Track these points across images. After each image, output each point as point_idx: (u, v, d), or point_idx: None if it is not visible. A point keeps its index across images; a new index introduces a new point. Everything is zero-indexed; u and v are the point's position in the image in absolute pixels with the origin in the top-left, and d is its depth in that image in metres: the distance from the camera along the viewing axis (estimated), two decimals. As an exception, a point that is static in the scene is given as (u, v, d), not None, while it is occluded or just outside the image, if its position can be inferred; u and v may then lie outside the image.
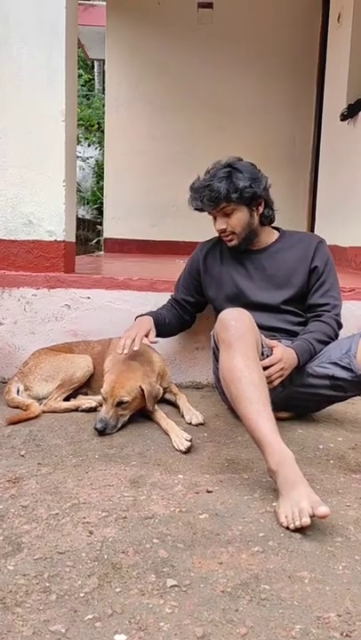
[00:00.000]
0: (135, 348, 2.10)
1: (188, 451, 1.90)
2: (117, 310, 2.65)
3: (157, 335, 2.27)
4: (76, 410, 2.27)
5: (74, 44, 2.79)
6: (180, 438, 1.95)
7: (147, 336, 2.18)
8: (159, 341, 2.33)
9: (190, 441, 1.93)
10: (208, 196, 2.11)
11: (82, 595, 1.12)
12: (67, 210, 2.69)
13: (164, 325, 2.35)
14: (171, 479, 1.68)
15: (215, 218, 2.22)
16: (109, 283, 2.66)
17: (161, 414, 2.16)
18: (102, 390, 2.11)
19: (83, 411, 2.27)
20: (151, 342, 2.20)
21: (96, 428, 2.03)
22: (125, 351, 2.10)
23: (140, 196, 5.94)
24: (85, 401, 2.30)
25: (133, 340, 2.12)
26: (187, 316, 2.45)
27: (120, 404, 2.08)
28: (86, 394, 2.39)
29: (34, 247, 2.70)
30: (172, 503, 1.52)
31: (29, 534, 1.35)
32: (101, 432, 2.03)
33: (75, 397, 2.36)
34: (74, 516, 1.44)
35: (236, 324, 1.83)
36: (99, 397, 2.25)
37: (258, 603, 1.12)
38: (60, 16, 2.56)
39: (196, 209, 2.20)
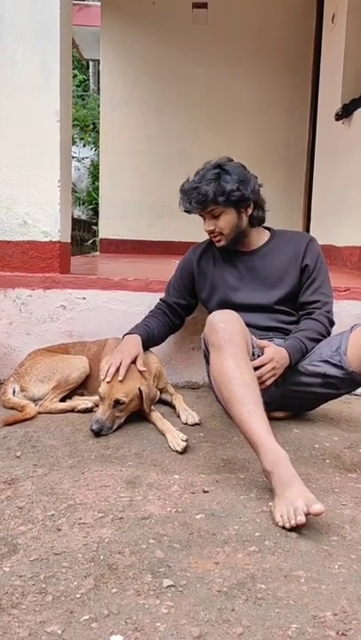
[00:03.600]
0: (119, 379, 2.08)
1: (184, 451, 1.90)
2: (113, 311, 2.64)
3: (146, 348, 2.28)
4: (72, 411, 2.27)
5: (68, 44, 2.79)
6: (177, 439, 1.95)
7: (134, 362, 2.16)
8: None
9: (186, 441, 1.93)
10: (196, 199, 2.12)
11: (78, 596, 1.12)
12: (62, 210, 2.69)
13: (153, 339, 2.35)
14: (167, 479, 1.68)
15: (204, 218, 2.22)
16: (105, 283, 2.66)
17: (157, 415, 2.16)
18: (100, 390, 2.10)
19: (79, 411, 2.26)
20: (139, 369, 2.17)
21: (92, 429, 2.03)
22: (108, 379, 2.07)
23: (135, 197, 5.93)
24: (82, 402, 2.30)
25: (118, 367, 2.09)
26: (177, 320, 2.45)
27: (117, 404, 2.08)
28: (82, 394, 2.39)
29: (29, 248, 2.69)
30: (168, 503, 1.52)
31: (25, 535, 1.34)
32: (97, 433, 2.03)
33: (70, 398, 2.36)
34: (70, 516, 1.44)
35: (224, 326, 1.83)
36: (95, 398, 2.25)
37: (254, 602, 1.12)
38: (54, 17, 2.56)
39: (185, 211, 2.21)
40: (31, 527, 1.38)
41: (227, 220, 2.17)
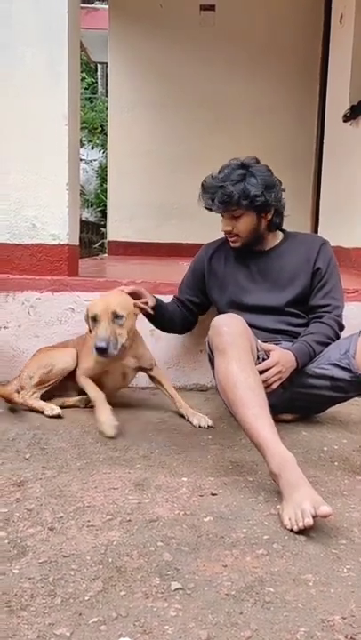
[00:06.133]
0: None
1: (212, 427, 2.13)
2: (121, 313, 2.64)
3: (156, 323, 2.34)
4: (41, 413, 2.25)
5: (76, 47, 2.80)
6: (202, 416, 2.13)
7: (145, 304, 2.20)
8: (161, 337, 2.46)
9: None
10: (220, 199, 2.11)
11: (86, 598, 1.12)
12: (70, 213, 2.70)
13: (165, 312, 2.35)
14: (175, 482, 1.68)
15: (223, 217, 2.22)
16: (113, 286, 2.65)
17: (175, 392, 2.29)
18: (96, 311, 2.05)
19: (46, 415, 2.23)
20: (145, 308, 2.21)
21: (98, 347, 1.97)
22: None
23: (143, 199, 5.94)
24: (49, 408, 2.25)
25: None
26: (190, 316, 2.45)
27: (116, 318, 2.02)
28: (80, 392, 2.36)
29: (37, 251, 2.71)
30: (176, 506, 1.53)
31: (34, 538, 1.35)
32: (104, 350, 1.96)
33: (67, 395, 2.38)
34: (78, 519, 1.44)
35: (228, 329, 1.83)
36: (76, 398, 2.32)
37: (262, 606, 1.12)
38: (61, 20, 2.58)
39: (205, 207, 2.20)
40: (40, 529, 1.39)
41: (246, 223, 2.17)
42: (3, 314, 2.65)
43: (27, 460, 1.83)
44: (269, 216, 2.20)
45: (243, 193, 2.08)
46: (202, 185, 2.19)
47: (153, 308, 2.26)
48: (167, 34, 5.70)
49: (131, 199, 5.97)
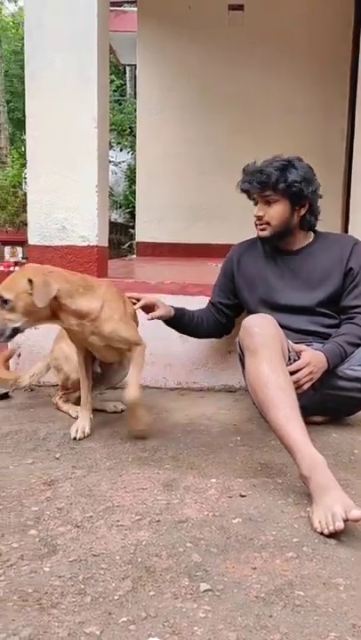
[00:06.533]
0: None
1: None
2: (150, 314, 2.66)
3: (184, 330, 2.35)
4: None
5: (105, 50, 2.83)
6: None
7: (151, 309, 2.20)
8: (189, 338, 2.42)
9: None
10: (258, 179, 2.12)
11: (116, 597, 1.13)
12: (99, 215, 2.73)
13: (191, 319, 2.35)
14: (204, 483, 1.68)
15: (256, 203, 2.21)
16: (142, 287, 2.68)
17: (136, 367, 2.09)
18: None
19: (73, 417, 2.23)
20: (152, 317, 2.20)
21: None
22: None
23: (172, 200, 5.95)
24: (74, 410, 2.26)
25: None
26: (224, 319, 2.44)
27: (4, 302, 1.81)
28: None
29: (67, 252, 2.74)
30: (205, 507, 1.52)
31: (64, 536, 1.37)
32: None
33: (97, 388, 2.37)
34: (108, 518, 1.45)
35: (259, 330, 1.82)
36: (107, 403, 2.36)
37: (292, 609, 1.11)
38: (91, 25, 2.60)
39: (242, 190, 2.20)
40: (70, 528, 1.40)
41: (278, 211, 2.16)
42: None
43: (57, 459, 1.85)
44: (303, 211, 2.18)
45: (281, 176, 2.09)
46: (243, 169, 2.20)
47: (171, 318, 2.27)
48: (196, 35, 5.69)
49: (159, 200, 5.99)
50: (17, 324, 1.85)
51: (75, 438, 2.03)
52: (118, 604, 1.11)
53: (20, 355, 2.70)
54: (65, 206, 2.70)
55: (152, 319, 2.21)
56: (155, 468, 1.78)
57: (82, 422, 2.09)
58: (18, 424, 2.17)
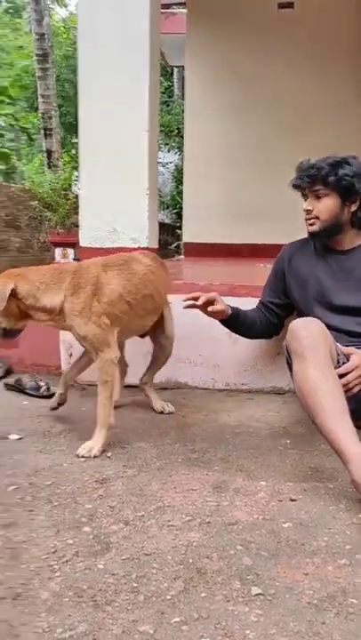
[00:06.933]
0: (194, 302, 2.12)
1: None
2: (198, 316, 2.65)
3: (238, 329, 2.34)
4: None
5: (156, 54, 2.86)
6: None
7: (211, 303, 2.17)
8: (238, 339, 2.38)
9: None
10: (308, 173, 2.11)
11: (168, 597, 1.14)
12: (150, 217, 2.76)
13: (244, 318, 2.34)
14: (253, 486, 1.68)
15: (306, 198, 2.19)
16: (191, 288, 2.67)
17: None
18: None
19: None
20: (212, 310, 2.18)
21: None
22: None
23: (219, 200, 5.95)
24: None
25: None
26: (275, 319, 2.42)
27: None
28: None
29: (119, 254, 2.77)
30: (255, 510, 1.52)
31: (117, 534, 1.39)
32: None
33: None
34: (159, 518, 1.47)
35: (306, 333, 1.80)
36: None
37: (345, 617, 1.09)
38: (143, 28, 2.64)
39: (293, 185, 2.19)
40: (122, 527, 1.43)
41: (328, 205, 2.13)
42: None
43: (108, 458, 1.89)
44: (354, 207, 2.14)
45: (332, 170, 2.07)
46: (296, 167, 2.19)
47: (228, 316, 2.27)
48: (244, 34, 5.67)
49: (207, 201, 6.00)
50: (2, 325, 1.98)
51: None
52: (171, 604, 1.13)
53: (71, 354, 2.76)
54: (116, 209, 2.75)
55: (213, 312, 2.20)
56: (204, 470, 1.79)
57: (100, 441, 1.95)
58: (71, 423, 2.23)
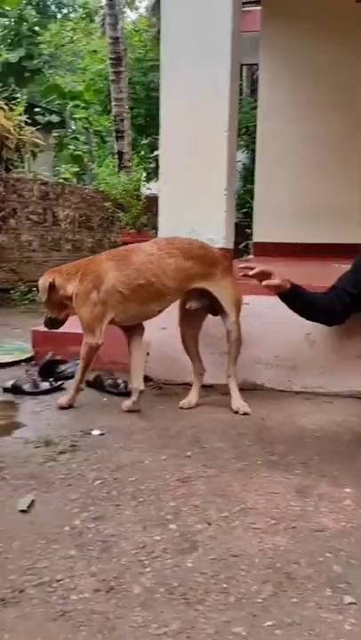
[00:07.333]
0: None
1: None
2: (276, 316, 2.63)
3: (298, 308, 2.30)
4: None
5: (237, 56, 2.84)
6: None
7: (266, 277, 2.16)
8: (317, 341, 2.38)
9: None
10: None
11: (259, 600, 1.14)
12: (227, 217, 2.76)
13: (305, 297, 2.30)
14: (338, 492, 1.64)
15: None
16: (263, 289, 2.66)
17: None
18: None
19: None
20: (267, 284, 2.18)
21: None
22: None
23: (292, 199, 5.84)
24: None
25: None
26: (340, 307, 2.34)
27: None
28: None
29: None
30: (341, 517, 1.49)
31: (202, 534, 1.40)
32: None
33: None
34: (243, 520, 1.47)
35: None
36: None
37: None
38: (226, 31, 2.64)
39: None
40: (207, 526, 1.44)
41: None
42: (163, 315, 2.77)
43: (188, 457, 1.90)
44: None
45: None
46: None
47: (287, 291, 2.23)
48: (321, 30, 5.53)
49: (279, 199, 5.90)
50: (50, 315, 2.45)
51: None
52: (262, 607, 1.12)
53: (148, 353, 2.80)
54: (195, 209, 2.76)
55: (267, 286, 2.18)
56: (285, 473, 1.78)
57: None
58: (149, 420, 2.26)
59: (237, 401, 2.39)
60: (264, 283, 2.16)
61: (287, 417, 2.32)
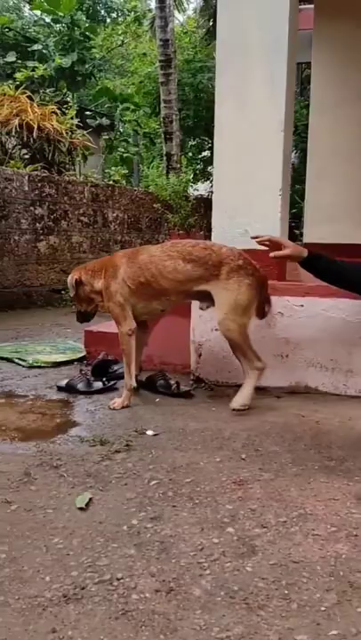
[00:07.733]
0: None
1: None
2: (331, 319, 2.59)
3: (323, 274, 2.27)
4: None
5: (293, 56, 2.81)
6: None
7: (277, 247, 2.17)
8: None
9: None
10: None
11: (322, 608, 1.12)
12: (282, 218, 2.72)
13: (331, 263, 2.26)
14: None
15: None
16: (323, 291, 2.61)
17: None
18: None
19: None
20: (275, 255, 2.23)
21: None
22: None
23: (344, 199, 5.73)
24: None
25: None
26: None
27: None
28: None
29: (249, 256, 2.77)
30: None
31: (261, 538, 1.39)
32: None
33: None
34: (302, 526, 1.45)
35: None
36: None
37: None
38: (283, 32, 2.60)
39: None
40: (265, 531, 1.42)
41: None
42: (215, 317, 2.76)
43: (243, 460, 1.89)
44: None
45: None
46: None
47: (306, 259, 2.22)
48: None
49: (330, 200, 5.80)
50: (80, 309, 2.64)
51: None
52: (325, 615, 1.10)
53: (200, 354, 2.80)
54: (248, 211, 2.74)
55: (275, 257, 2.23)
56: (343, 479, 1.74)
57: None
58: (203, 422, 2.25)
59: (237, 397, 2.39)
60: (271, 254, 2.17)
61: (343, 422, 2.27)
